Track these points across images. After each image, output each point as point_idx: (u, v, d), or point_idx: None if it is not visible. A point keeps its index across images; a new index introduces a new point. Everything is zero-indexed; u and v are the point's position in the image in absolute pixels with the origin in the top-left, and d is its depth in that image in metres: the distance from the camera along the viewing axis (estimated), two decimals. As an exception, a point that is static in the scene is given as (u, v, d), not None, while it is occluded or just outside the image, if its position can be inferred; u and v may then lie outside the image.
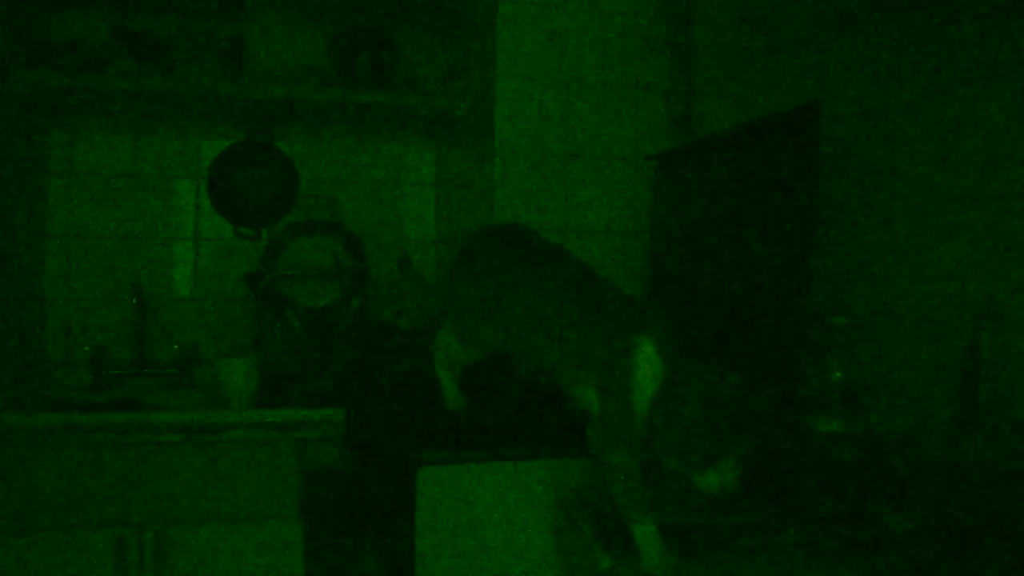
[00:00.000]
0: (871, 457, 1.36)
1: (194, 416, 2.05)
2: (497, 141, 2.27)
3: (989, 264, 1.35)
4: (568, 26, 2.31)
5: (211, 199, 2.60)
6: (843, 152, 1.68)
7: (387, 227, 2.83)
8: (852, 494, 1.29)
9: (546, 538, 1.47)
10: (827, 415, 1.45)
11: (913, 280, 1.51)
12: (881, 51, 1.60)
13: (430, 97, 2.58)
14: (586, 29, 2.31)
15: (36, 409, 2.07)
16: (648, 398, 1.13)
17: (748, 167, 1.76)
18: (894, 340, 1.54)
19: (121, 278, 2.63)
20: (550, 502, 1.46)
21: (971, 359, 1.26)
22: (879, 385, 1.56)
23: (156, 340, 2.64)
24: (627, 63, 2.35)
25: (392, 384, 1.95)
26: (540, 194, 2.31)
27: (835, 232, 1.69)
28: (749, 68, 2.04)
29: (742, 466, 1.10)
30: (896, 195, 1.55)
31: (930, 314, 1.46)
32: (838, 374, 1.48)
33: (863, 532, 1.20)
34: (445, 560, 1.44)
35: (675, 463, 1.12)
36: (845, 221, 1.68)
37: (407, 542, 1.47)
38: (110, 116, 2.62)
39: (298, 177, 2.65)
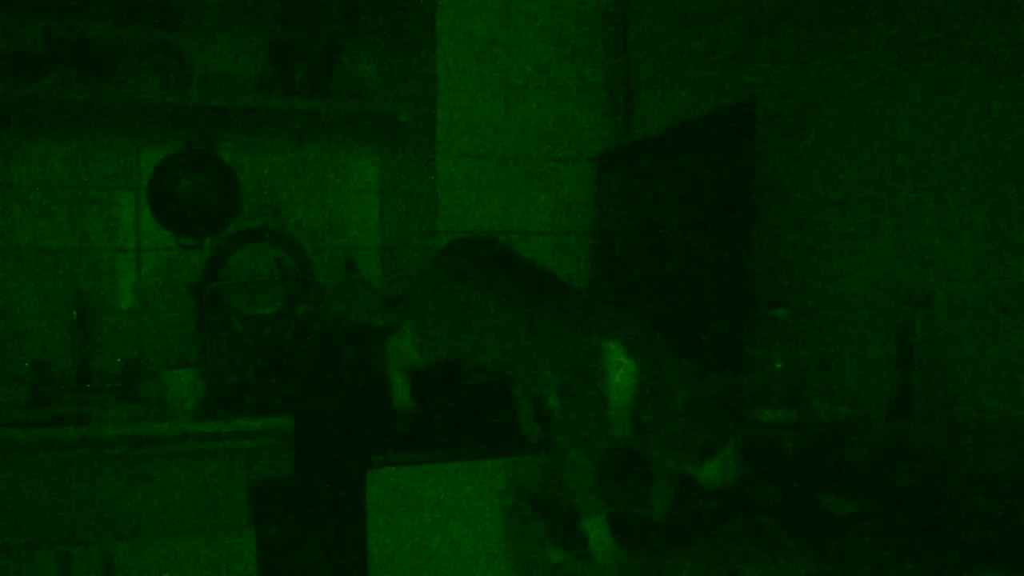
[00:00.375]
0: (813, 445, 1.40)
1: (140, 429, 2.03)
2: (440, 145, 2.27)
3: (922, 254, 1.39)
4: (507, 32, 2.32)
5: (152, 210, 2.58)
6: (779, 148, 1.72)
7: (331, 234, 2.82)
8: (796, 482, 1.32)
9: (498, 535, 1.47)
10: (770, 405, 1.49)
11: (851, 271, 1.55)
12: (813, 50, 1.64)
13: (372, 104, 2.58)
14: (525, 35, 2.33)
15: (-25, 427, 2.03)
16: (625, 401, 1.11)
17: (686, 165, 1.80)
18: (834, 330, 1.58)
19: (61, 291, 2.58)
20: (501, 500, 1.47)
21: (904, 347, 1.30)
22: (821, 375, 1.60)
23: (99, 354, 2.60)
24: (566, 67, 2.37)
25: (341, 389, 1.95)
26: (484, 196, 2.32)
27: (775, 226, 1.73)
28: (685, 69, 2.08)
29: (741, 456, 1.09)
30: (832, 188, 1.59)
31: (868, 304, 1.50)
32: (779, 365, 1.51)
33: (808, 519, 1.22)
34: (398, 562, 1.44)
35: (673, 461, 1.11)
36: (784, 215, 1.72)
37: (360, 546, 1.47)
38: (47, 126, 2.58)
39: (239, 186, 2.63)
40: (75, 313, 2.51)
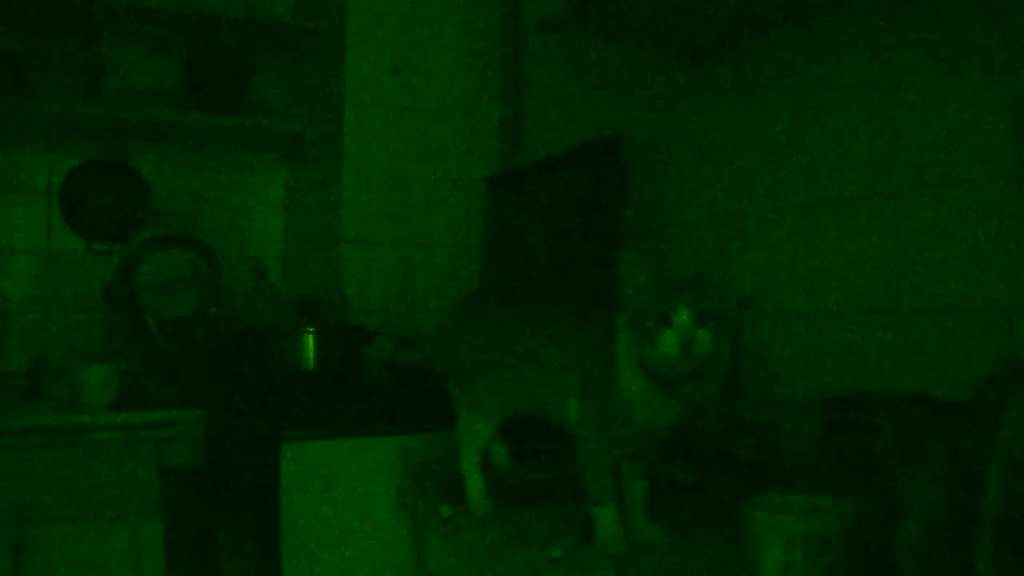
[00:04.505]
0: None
1: (49, 420, 2.09)
2: (345, 163, 2.44)
3: (753, 267, 1.69)
4: (411, 60, 2.52)
5: (63, 215, 2.66)
6: (643, 174, 2.00)
7: (237, 243, 2.95)
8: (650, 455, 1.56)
9: (394, 499, 1.67)
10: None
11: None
12: (669, 94, 1.93)
13: (280, 121, 2.73)
14: (427, 64, 2.54)
15: None
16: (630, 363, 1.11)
17: (565, 188, 2.03)
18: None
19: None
20: (397, 469, 1.68)
21: (735, 340, 1.58)
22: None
23: (5, 354, 2.66)
24: (464, 95, 2.59)
25: (250, 382, 2.10)
26: (384, 211, 2.50)
27: (639, 240, 2.01)
28: (568, 103, 2.34)
29: (705, 324, 1.01)
30: (685, 209, 1.88)
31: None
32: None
33: (660, 485, 1.45)
34: (309, 529, 1.61)
35: (640, 350, 1.05)
36: (648, 231, 1.99)
37: (269, 525, 1.64)
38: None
39: (150, 195, 2.74)
40: (-14, 313, 2.57)
